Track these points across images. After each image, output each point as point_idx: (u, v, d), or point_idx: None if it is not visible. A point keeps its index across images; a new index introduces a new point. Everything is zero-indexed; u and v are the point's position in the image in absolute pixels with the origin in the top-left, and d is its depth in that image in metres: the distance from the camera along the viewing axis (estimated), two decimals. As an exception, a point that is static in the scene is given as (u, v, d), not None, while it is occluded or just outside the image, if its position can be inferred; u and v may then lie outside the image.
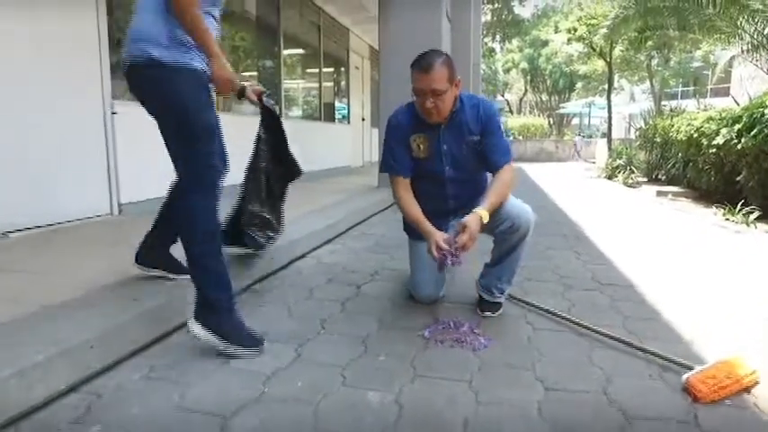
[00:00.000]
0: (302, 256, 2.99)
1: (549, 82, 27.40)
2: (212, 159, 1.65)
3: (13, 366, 1.27)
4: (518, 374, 1.59)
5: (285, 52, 6.68)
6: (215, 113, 1.68)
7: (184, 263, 1.70)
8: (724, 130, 5.87)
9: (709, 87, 20.95)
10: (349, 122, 9.45)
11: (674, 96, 23.22)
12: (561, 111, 26.58)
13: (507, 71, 28.91)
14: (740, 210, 5.00)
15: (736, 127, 5.62)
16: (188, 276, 1.71)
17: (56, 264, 2.31)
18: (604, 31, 9.18)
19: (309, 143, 6.83)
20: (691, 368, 1.53)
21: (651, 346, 1.72)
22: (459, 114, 1.99)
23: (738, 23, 7.99)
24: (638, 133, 11.14)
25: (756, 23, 7.85)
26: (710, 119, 6.61)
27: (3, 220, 2.87)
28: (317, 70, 7.95)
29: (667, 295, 2.37)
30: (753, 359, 1.58)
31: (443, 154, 2.04)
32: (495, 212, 1.89)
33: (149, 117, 1.66)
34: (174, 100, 1.58)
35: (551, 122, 27.47)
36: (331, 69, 8.78)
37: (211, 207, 1.64)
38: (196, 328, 1.61)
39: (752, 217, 4.80)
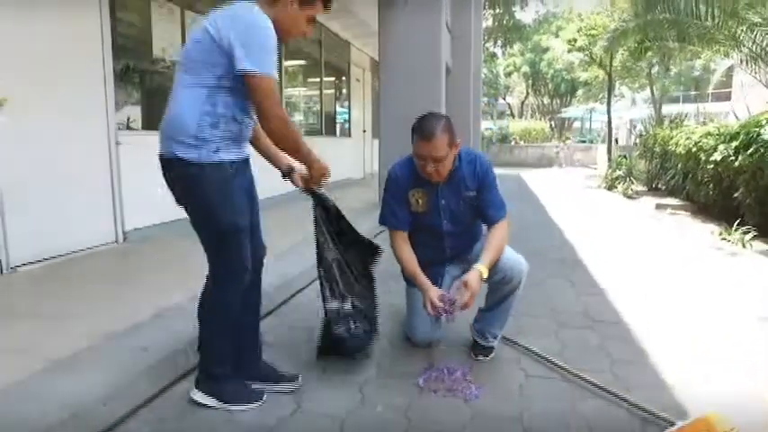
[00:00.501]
0: (302, 289, 3.07)
1: (550, 85, 27.43)
2: (235, 260, 1.64)
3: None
4: (507, 426, 1.67)
5: (286, 63, 6.75)
6: (247, 207, 1.66)
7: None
8: (721, 147, 5.93)
9: (710, 92, 20.98)
10: (350, 135, 9.53)
11: (675, 100, 23.26)
12: (563, 115, 26.63)
13: (509, 75, 28.94)
14: (737, 229, 5.07)
15: (734, 144, 5.68)
16: (291, 384, 1.84)
17: (63, 307, 2.38)
18: (604, 43, 9.23)
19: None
20: (672, 423, 1.60)
21: (636, 394, 1.80)
22: (457, 171, 2.07)
23: (737, 36, 8.04)
24: (638, 140, 11.21)
25: (755, 36, 7.89)
26: (708, 134, 6.66)
27: (13, 254, 2.96)
28: (317, 84, 8.04)
29: (655, 331, 2.45)
30: (731, 416, 1.65)
31: (441, 209, 2.12)
32: None
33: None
34: (198, 199, 1.59)
35: (553, 126, 27.50)
36: (332, 82, 8.87)
37: (232, 304, 1.68)
38: (198, 396, 1.71)
39: (747, 237, 4.87)
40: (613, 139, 13.22)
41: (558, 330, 2.49)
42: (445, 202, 2.11)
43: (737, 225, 5.23)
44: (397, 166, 2.19)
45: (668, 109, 18.91)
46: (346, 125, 9.55)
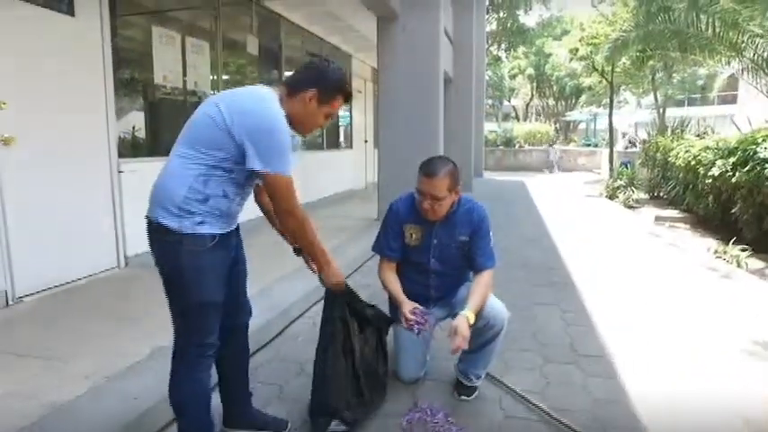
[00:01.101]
0: (299, 317, 3.16)
1: (555, 88, 27.38)
2: (201, 336, 1.60)
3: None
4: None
5: (287, 73, 6.85)
6: (221, 282, 1.61)
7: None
8: (719, 162, 5.96)
9: (715, 95, 20.88)
10: (352, 146, 9.61)
11: (680, 103, 23.16)
12: (568, 118, 26.56)
13: (513, 77, 28.93)
14: (733, 246, 5.10)
15: (731, 160, 5.72)
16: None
17: (66, 345, 2.46)
18: (605, 53, 9.25)
19: (312, 173, 7.02)
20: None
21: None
22: (453, 215, 2.18)
23: (738, 46, 8.03)
24: (640, 146, 11.20)
25: (756, 47, 7.88)
26: (707, 148, 6.69)
27: (18, 285, 3.06)
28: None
29: (639, 367, 2.51)
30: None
31: (432, 247, 2.22)
32: None
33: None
34: (172, 270, 1.56)
35: (558, 128, 27.43)
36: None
37: (201, 379, 1.64)
38: None
39: (743, 255, 4.90)
40: (615, 145, 13.15)
41: (543, 365, 2.56)
42: (437, 242, 2.22)
43: (736, 240, 5.27)
44: (399, 200, 2.32)
45: (673, 112, 18.86)
46: (348, 136, 9.64)
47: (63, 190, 3.34)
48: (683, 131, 9.26)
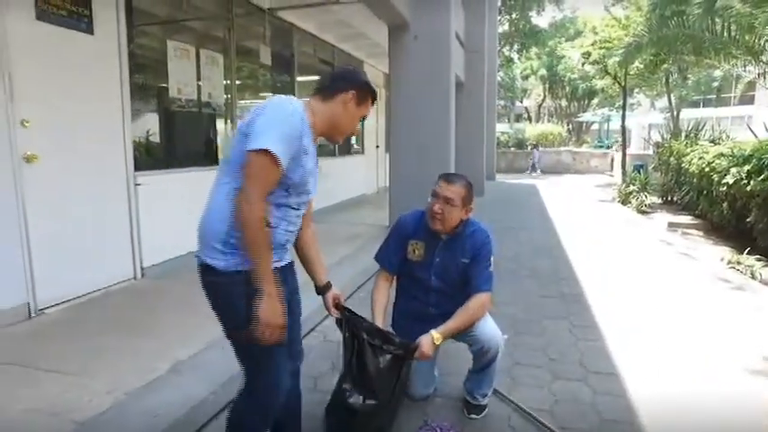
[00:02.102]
0: (310, 332, 3.22)
1: (568, 89, 27.20)
2: (270, 377, 1.54)
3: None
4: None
5: (299, 79, 6.92)
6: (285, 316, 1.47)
7: None
8: (734, 170, 5.90)
9: (733, 95, 20.58)
10: (363, 151, 9.67)
11: (696, 104, 22.84)
12: (580, 119, 26.36)
13: (526, 78, 28.79)
14: (747, 256, 5.05)
15: (746, 168, 5.66)
16: None
17: (88, 359, 2.53)
18: (617, 58, 9.19)
19: (324, 180, 7.06)
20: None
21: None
22: (458, 237, 2.23)
23: (753, 51, 7.94)
24: (654, 149, 11.08)
25: (773, 52, 7.78)
26: (721, 155, 6.62)
27: (40, 297, 3.16)
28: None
29: (647, 385, 2.53)
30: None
31: (434, 265, 2.26)
32: (469, 333, 2.13)
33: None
34: (226, 309, 1.49)
35: (570, 129, 27.25)
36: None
37: (260, 425, 1.60)
38: None
39: (758, 266, 4.85)
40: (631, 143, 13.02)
41: (551, 382, 2.58)
42: (439, 260, 2.25)
43: (750, 249, 5.21)
44: (408, 214, 2.38)
45: (689, 113, 18.62)
46: (360, 142, 9.69)
47: (82, 204, 3.43)
48: (696, 136, 9.16)
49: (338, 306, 1.90)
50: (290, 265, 1.69)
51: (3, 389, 2.24)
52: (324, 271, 1.85)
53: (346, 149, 8.94)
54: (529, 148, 19.90)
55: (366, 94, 1.64)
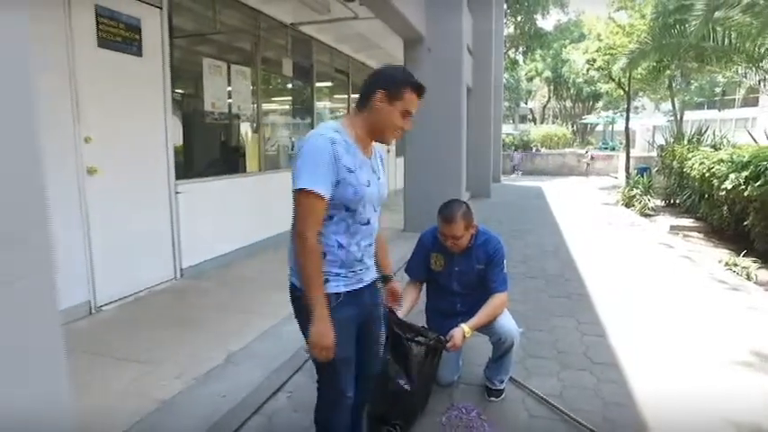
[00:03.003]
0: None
1: (572, 90, 27.45)
2: (335, 390, 1.68)
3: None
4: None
5: (317, 85, 7.27)
6: (348, 339, 1.64)
7: None
8: (732, 176, 6.18)
9: (737, 98, 20.78)
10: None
11: (700, 106, 23.05)
12: (585, 120, 26.60)
13: (530, 79, 29.06)
14: (744, 258, 5.35)
15: (744, 174, 5.95)
16: None
17: (150, 351, 2.87)
18: (621, 65, 9.48)
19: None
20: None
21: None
22: (472, 248, 2.56)
23: (754, 58, 8.22)
24: (658, 152, 11.36)
25: (773, 60, 8.05)
26: (721, 161, 6.90)
27: (99, 296, 3.52)
28: (345, 110, 8.55)
29: (644, 375, 2.85)
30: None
31: (454, 274, 2.61)
32: (490, 326, 2.47)
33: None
34: (303, 327, 1.62)
35: (575, 131, 27.50)
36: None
37: (333, 427, 1.76)
38: None
39: (754, 267, 5.15)
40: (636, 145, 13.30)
41: (560, 371, 2.92)
42: (458, 269, 2.60)
43: (748, 252, 5.51)
44: (428, 231, 2.72)
45: (692, 116, 18.86)
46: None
47: (132, 211, 3.79)
48: (699, 140, 9.44)
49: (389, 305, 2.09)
50: (370, 285, 1.73)
51: (91, 375, 2.58)
52: (387, 264, 1.98)
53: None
54: (512, 149, 20.52)
55: (398, 87, 1.59)
